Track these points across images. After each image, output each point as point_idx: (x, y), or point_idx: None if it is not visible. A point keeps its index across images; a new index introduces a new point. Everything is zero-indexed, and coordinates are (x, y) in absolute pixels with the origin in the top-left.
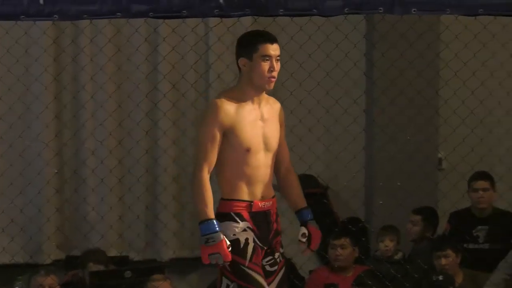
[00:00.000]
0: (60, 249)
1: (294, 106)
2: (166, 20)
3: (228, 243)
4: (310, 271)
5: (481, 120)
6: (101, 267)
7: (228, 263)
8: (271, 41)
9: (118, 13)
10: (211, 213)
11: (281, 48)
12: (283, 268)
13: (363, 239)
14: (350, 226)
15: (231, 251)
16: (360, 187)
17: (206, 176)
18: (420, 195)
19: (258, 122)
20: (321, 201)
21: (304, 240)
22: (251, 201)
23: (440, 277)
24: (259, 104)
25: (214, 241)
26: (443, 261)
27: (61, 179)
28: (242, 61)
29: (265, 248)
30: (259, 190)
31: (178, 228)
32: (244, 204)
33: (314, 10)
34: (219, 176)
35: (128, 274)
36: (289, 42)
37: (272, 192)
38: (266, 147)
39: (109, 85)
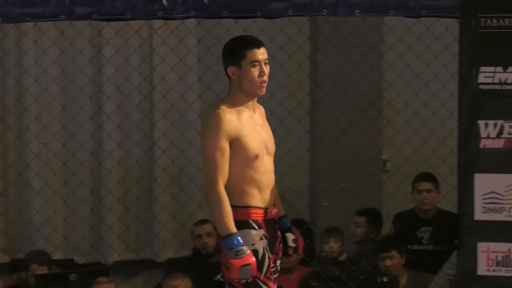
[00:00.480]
0: (4, 252)
1: None
2: (110, 23)
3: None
4: None
5: (425, 121)
6: (44, 269)
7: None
8: (257, 46)
9: (62, 16)
10: (233, 227)
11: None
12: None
13: (308, 240)
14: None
15: None
16: (304, 189)
17: (222, 189)
18: (364, 196)
19: (257, 127)
20: None
21: (294, 245)
22: (267, 208)
23: (385, 279)
24: (254, 110)
25: (243, 253)
26: (388, 262)
27: (5, 182)
28: (231, 69)
29: (273, 256)
30: (268, 196)
31: (123, 231)
32: (260, 211)
33: (258, 12)
34: (228, 185)
35: (73, 277)
36: None
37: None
38: (267, 152)
39: (53, 87)
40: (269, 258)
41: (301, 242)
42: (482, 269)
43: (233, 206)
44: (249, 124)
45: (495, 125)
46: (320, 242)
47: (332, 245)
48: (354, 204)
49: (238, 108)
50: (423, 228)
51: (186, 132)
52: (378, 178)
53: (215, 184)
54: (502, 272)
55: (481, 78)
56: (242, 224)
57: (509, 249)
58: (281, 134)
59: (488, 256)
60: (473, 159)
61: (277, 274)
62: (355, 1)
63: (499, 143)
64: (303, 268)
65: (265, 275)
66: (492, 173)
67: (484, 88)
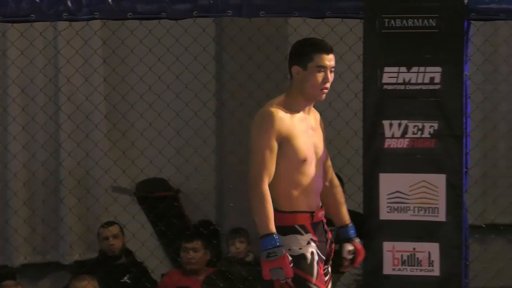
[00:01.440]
0: None
1: (144, 110)
2: (14, 24)
3: (290, 258)
4: (163, 275)
5: (330, 122)
6: None
7: (290, 279)
8: (327, 52)
9: None
10: (273, 227)
11: (131, 51)
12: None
13: (215, 241)
14: (201, 229)
15: (297, 266)
16: (211, 190)
17: (267, 188)
18: None
19: (309, 131)
20: (172, 204)
21: (350, 257)
22: (313, 212)
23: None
24: (309, 113)
25: (276, 255)
26: None
27: None
28: (296, 69)
29: (324, 259)
30: (315, 200)
31: (29, 234)
32: (307, 216)
33: (163, 13)
34: (273, 188)
35: None
36: (139, 45)
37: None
38: (317, 156)
39: None
40: (318, 261)
41: (361, 255)
42: (388, 268)
43: (280, 212)
44: (302, 127)
45: (400, 125)
46: (226, 243)
47: (238, 246)
48: None
49: (293, 108)
50: (329, 228)
51: (91, 134)
52: None
53: (260, 182)
54: (407, 271)
55: (385, 79)
56: (289, 229)
57: (414, 248)
58: (187, 135)
59: (393, 256)
60: (378, 159)
61: (328, 275)
62: (260, 2)
63: (403, 143)
64: (210, 269)
65: (317, 278)
66: (396, 173)
67: (388, 88)
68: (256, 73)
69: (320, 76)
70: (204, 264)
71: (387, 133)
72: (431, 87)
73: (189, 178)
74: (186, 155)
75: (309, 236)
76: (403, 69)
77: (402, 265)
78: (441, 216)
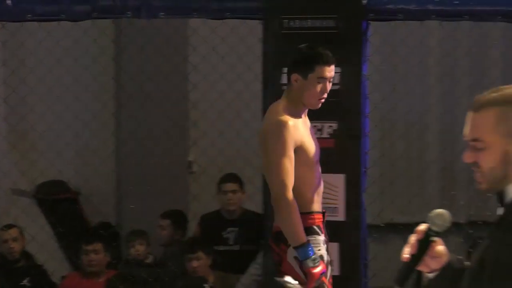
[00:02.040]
0: None
1: (44, 112)
2: None
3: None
4: (63, 277)
5: (229, 123)
6: None
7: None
8: (329, 63)
9: None
10: (305, 235)
11: (32, 53)
12: None
13: (115, 243)
14: (101, 231)
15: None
16: (110, 192)
17: (293, 197)
18: (171, 198)
19: (310, 134)
20: (72, 206)
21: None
22: (324, 212)
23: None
24: (305, 116)
25: (318, 260)
26: (194, 263)
27: None
28: (295, 76)
29: (330, 260)
30: (321, 200)
31: None
32: (320, 216)
33: (62, 15)
34: (293, 191)
35: None
36: (39, 47)
37: None
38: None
39: None
40: (327, 262)
41: None
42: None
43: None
44: (306, 130)
45: None
46: (126, 245)
47: (138, 248)
48: (161, 206)
49: (296, 114)
50: (229, 229)
51: None
52: (184, 179)
53: (287, 192)
54: None
55: (285, 79)
56: (308, 230)
57: None
58: (86, 137)
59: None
60: None
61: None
62: (159, 3)
63: None
64: (110, 272)
65: (328, 280)
66: None
67: None
68: (156, 74)
69: (319, 87)
70: (104, 266)
71: None
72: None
73: (89, 180)
74: (86, 157)
75: (323, 236)
76: None
77: None
78: (341, 216)
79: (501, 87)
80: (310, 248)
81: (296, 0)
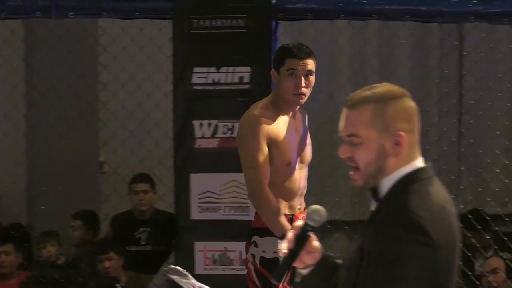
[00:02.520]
0: None
1: None
2: None
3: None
4: None
5: (140, 122)
6: None
7: None
8: (299, 57)
9: None
10: (288, 224)
11: None
12: None
13: (26, 244)
14: (12, 232)
15: (268, 270)
16: (22, 192)
17: (268, 190)
18: (82, 198)
19: (293, 134)
20: None
21: None
22: (293, 215)
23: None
24: (294, 115)
25: None
26: (106, 264)
27: None
28: (273, 73)
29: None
30: (297, 202)
31: None
32: (286, 219)
33: None
34: None
35: None
36: None
37: (304, 204)
38: (301, 160)
39: None
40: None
41: None
42: (200, 268)
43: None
44: (285, 130)
45: (210, 125)
46: (37, 246)
47: (49, 249)
48: (72, 206)
49: (276, 112)
50: (141, 229)
51: None
52: (96, 180)
53: (261, 186)
54: (219, 270)
55: (195, 79)
56: (265, 231)
57: (225, 248)
58: None
59: (205, 255)
60: (188, 159)
61: None
62: (68, 3)
63: (213, 143)
64: (22, 273)
65: (282, 284)
66: (207, 173)
67: (198, 88)
68: (66, 75)
69: (291, 80)
70: (15, 268)
71: (198, 133)
72: (241, 87)
73: (0, 181)
74: None
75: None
76: (213, 69)
77: (213, 265)
78: (251, 215)
79: (373, 85)
80: None
81: (205, 0)
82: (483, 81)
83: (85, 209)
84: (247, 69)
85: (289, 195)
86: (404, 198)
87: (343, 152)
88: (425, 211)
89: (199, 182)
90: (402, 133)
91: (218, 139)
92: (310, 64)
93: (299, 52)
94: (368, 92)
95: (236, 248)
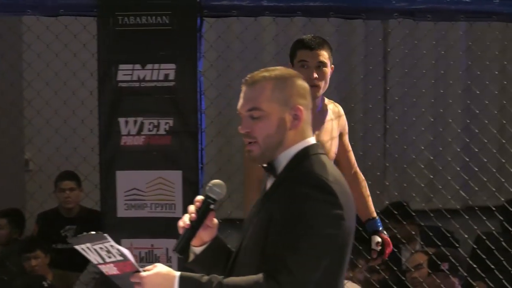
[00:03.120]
0: None
1: None
2: None
3: None
4: None
5: (65, 120)
6: None
7: None
8: (309, 48)
9: None
10: None
11: None
12: None
13: None
14: None
15: None
16: None
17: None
18: (7, 197)
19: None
20: None
21: (378, 248)
22: None
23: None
24: (313, 108)
25: None
26: (33, 262)
27: None
28: (290, 66)
29: None
30: None
31: None
32: None
33: None
34: None
35: None
36: None
37: None
38: None
39: None
40: None
41: (389, 246)
42: None
43: None
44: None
45: (135, 122)
46: None
47: None
48: None
49: None
50: (67, 227)
51: None
52: (21, 178)
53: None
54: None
55: (120, 76)
56: None
57: (152, 245)
58: None
59: (131, 253)
60: (114, 157)
61: None
62: None
63: (139, 140)
64: None
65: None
66: (133, 170)
67: (123, 85)
68: None
69: (303, 72)
70: None
71: (123, 130)
72: (166, 84)
73: None
74: None
75: None
76: (138, 66)
77: (140, 262)
78: (178, 213)
79: (270, 68)
80: None
81: None
82: (407, 77)
83: (10, 207)
84: (172, 66)
85: None
86: (308, 164)
87: (244, 127)
88: (331, 175)
89: (125, 180)
90: (300, 107)
91: (144, 136)
92: (322, 55)
93: (309, 43)
94: (266, 73)
95: (162, 245)
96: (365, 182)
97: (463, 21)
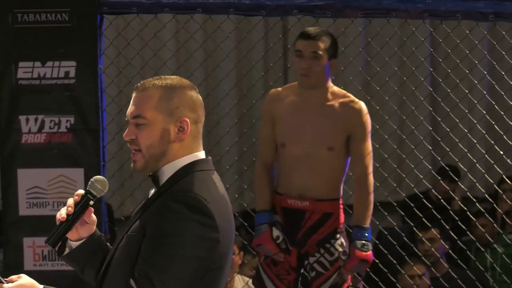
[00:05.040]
0: None
1: None
2: None
3: (277, 234)
4: None
5: None
6: None
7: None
8: (305, 37)
9: None
10: (262, 205)
11: None
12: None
13: None
14: None
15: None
16: None
17: (260, 165)
18: None
19: (299, 116)
20: None
21: (343, 258)
22: (281, 194)
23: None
24: (311, 98)
25: (261, 232)
26: None
27: None
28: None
29: (293, 248)
30: (294, 185)
31: None
32: (278, 198)
33: None
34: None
35: None
36: None
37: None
38: (311, 144)
39: None
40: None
41: (353, 259)
42: (29, 264)
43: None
44: (287, 111)
45: (36, 120)
46: None
47: None
48: None
49: (289, 91)
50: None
51: None
52: None
53: (257, 160)
54: (49, 266)
55: (20, 74)
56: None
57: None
58: None
59: (34, 251)
60: (15, 155)
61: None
62: None
63: (40, 138)
64: None
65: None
66: (35, 168)
67: (23, 83)
68: None
69: (297, 61)
70: None
71: (24, 128)
72: (66, 81)
73: None
74: None
75: (276, 217)
76: (38, 63)
77: (43, 261)
78: None
79: (163, 76)
80: (258, 218)
81: None
82: None
83: None
84: (73, 63)
85: (284, 175)
86: (188, 181)
87: (128, 134)
88: (209, 195)
89: (26, 178)
90: (187, 120)
91: (45, 134)
92: (317, 46)
93: (306, 33)
94: (158, 81)
95: None
96: (364, 186)
97: (362, 17)
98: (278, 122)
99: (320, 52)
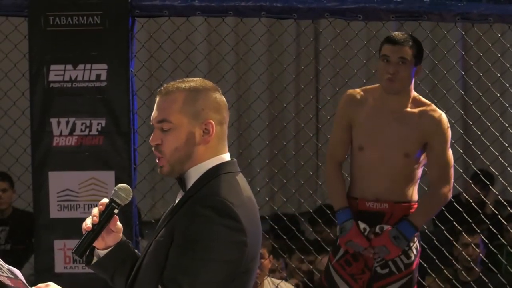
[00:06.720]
0: None
1: None
2: None
3: (363, 227)
4: None
5: None
6: None
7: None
8: (392, 42)
9: None
10: (339, 203)
11: None
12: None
13: None
14: None
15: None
16: None
17: (333, 167)
18: None
19: (379, 121)
20: None
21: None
22: (357, 199)
23: None
24: (393, 104)
25: (345, 231)
26: None
27: None
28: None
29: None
30: (370, 189)
31: None
32: (351, 201)
33: None
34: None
35: None
36: None
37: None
38: (388, 148)
39: None
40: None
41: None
42: (60, 267)
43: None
44: (370, 114)
45: (67, 122)
46: None
47: None
48: None
49: (369, 94)
50: (0, 228)
51: None
52: None
53: (328, 161)
54: (79, 269)
55: (52, 77)
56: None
57: None
58: None
59: (64, 254)
60: (46, 157)
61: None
62: None
63: (71, 141)
64: None
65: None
66: (66, 171)
67: (55, 86)
68: None
69: (383, 65)
70: None
71: (55, 131)
72: (98, 84)
73: None
74: None
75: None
76: (69, 66)
77: (74, 263)
78: None
79: (186, 79)
80: (341, 216)
81: None
82: (338, 77)
83: None
84: (104, 66)
85: (359, 179)
86: (215, 185)
87: (154, 139)
88: (236, 198)
89: (57, 180)
90: (212, 122)
91: (76, 137)
92: (405, 51)
93: (394, 38)
94: (181, 84)
95: None
96: (433, 196)
97: (394, 20)
98: (357, 125)
99: (408, 58)
